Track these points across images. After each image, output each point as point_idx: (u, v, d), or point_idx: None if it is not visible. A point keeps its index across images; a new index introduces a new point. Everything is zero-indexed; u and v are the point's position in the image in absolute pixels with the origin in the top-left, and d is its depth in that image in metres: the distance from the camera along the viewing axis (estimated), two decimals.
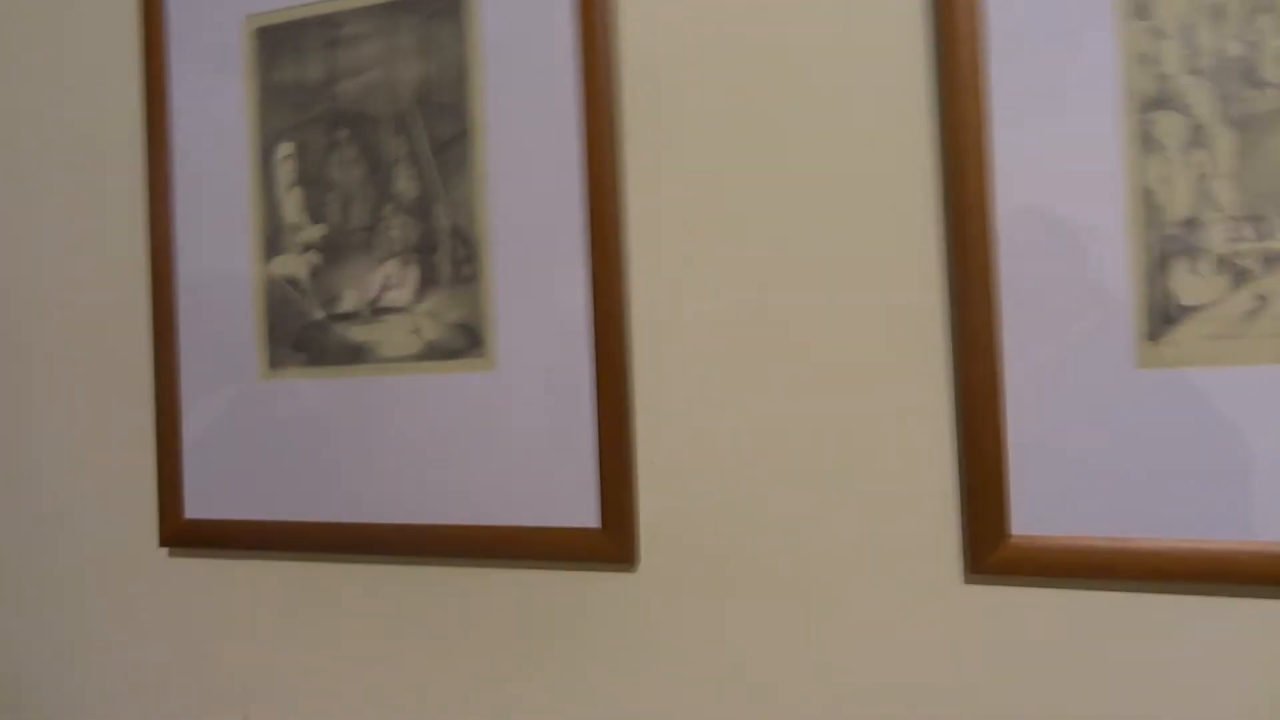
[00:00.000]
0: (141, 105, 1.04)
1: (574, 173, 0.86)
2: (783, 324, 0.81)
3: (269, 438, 0.98)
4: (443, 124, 0.91)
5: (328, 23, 0.95)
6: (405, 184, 0.92)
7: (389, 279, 0.93)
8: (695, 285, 0.84)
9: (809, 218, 0.81)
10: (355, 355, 0.94)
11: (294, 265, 0.97)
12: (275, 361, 0.97)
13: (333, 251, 0.95)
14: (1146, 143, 0.71)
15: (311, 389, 0.96)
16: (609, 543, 0.85)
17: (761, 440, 0.82)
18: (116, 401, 1.06)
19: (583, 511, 0.86)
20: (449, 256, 0.90)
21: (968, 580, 0.76)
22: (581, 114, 0.85)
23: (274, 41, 0.97)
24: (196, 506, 1.01)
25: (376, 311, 0.93)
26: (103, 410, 1.06)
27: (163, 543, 1.01)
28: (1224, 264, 0.69)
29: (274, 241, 0.97)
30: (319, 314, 0.95)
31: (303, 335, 0.96)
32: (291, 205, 0.97)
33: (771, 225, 0.82)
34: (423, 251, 0.91)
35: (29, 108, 1.11)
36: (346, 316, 0.94)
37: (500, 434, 0.89)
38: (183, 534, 1.00)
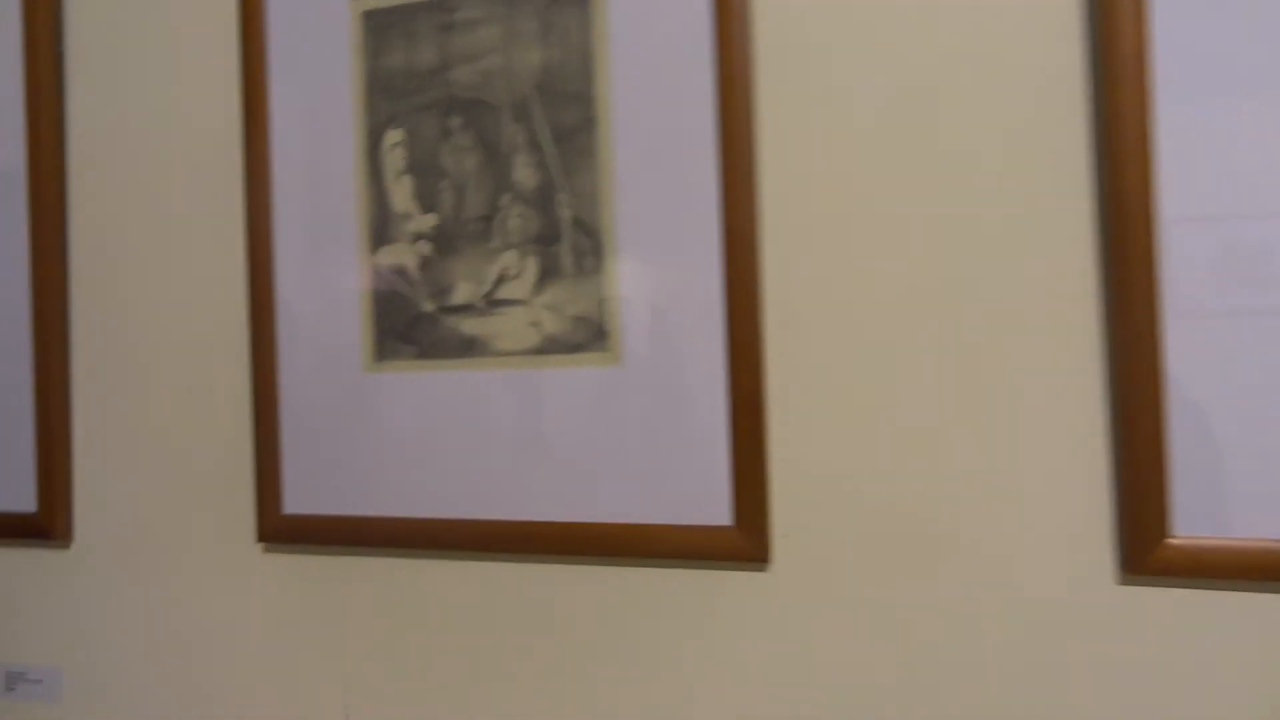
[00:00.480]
0: (240, 90, 1.01)
1: (708, 162, 0.84)
2: (926, 316, 0.80)
3: (373, 431, 0.95)
4: (565, 112, 0.88)
5: (440, 7, 0.92)
6: (524, 173, 0.90)
7: (506, 270, 0.91)
8: (835, 277, 0.82)
9: (956, 208, 0.79)
10: (468, 348, 0.92)
11: (403, 255, 0.94)
12: (382, 354, 0.95)
13: (445, 242, 0.93)
14: None
15: (420, 382, 0.94)
16: (742, 541, 0.83)
17: (901, 436, 0.80)
18: (213, 394, 1.03)
19: (714, 509, 0.84)
20: (571, 248, 0.88)
21: (1122, 581, 0.75)
22: (717, 101, 0.84)
23: (382, 26, 0.95)
24: (296, 502, 0.98)
25: (492, 304, 0.91)
26: (199, 403, 1.03)
27: (260, 538, 0.99)
28: None
29: (381, 231, 0.95)
30: (429, 306, 0.93)
31: (411, 327, 0.94)
32: (401, 194, 0.94)
33: (916, 215, 0.80)
34: (543, 243, 0.89)
35: (120, 91, 1.08)
36: (459, 309, 0.92)
37: (626, 429, 0.87)
38: (281, 530, 0.98)
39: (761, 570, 0.84)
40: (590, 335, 0.88)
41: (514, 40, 0.90)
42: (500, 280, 0.91)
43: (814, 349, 0.83)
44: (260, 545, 1.01)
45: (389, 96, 0.94)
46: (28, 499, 1.08)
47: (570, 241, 0.88)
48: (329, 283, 0.97)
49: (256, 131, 0.99)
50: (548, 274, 0.89)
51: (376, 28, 0.95)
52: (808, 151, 0.83)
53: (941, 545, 0.79)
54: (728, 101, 0.83)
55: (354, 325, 0.96)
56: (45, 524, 1.07)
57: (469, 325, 0.92)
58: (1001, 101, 0.78)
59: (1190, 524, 0.73)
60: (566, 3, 0.88)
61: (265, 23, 0.99)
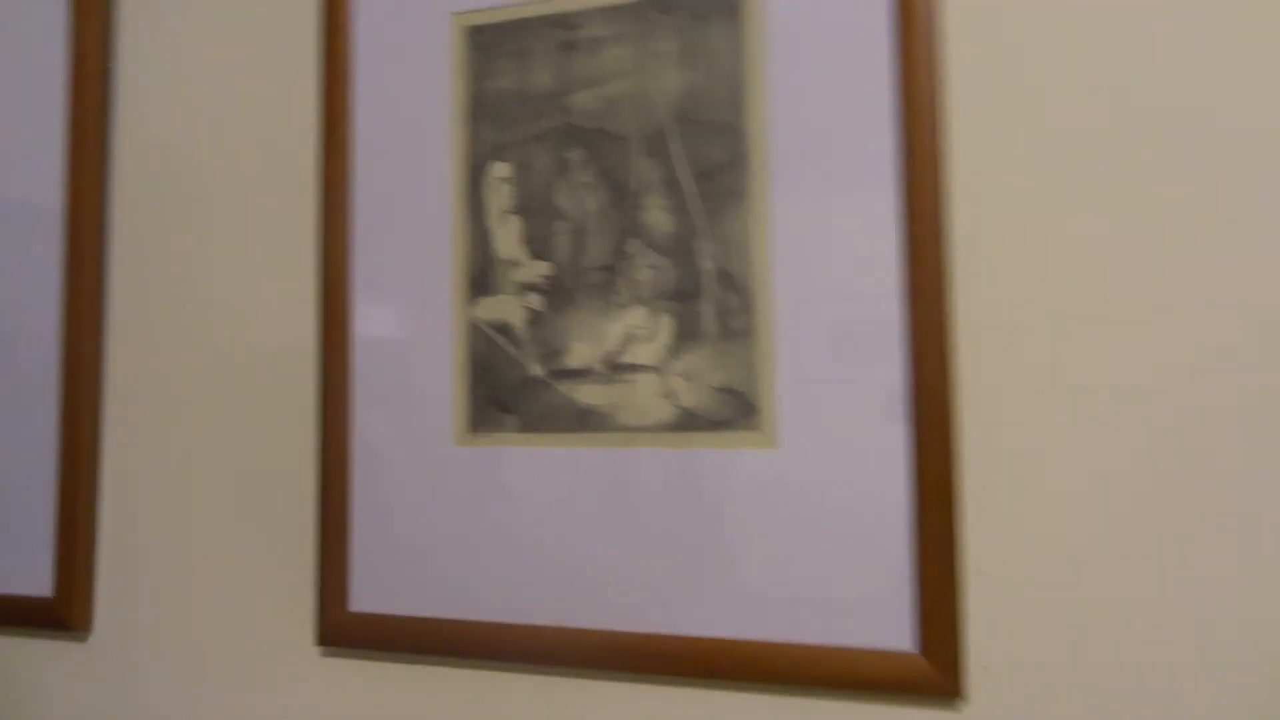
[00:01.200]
0: (318, 110, 0.88)
1: (886, 205, 0.70)
2: (1147, 402, 0.65)
3: (464, 516, 0.80)
4: (709, 146, 0.75)
5: (560, 23, 0.79)
6: (657, 216, 0.76)
7: (634, 331, 0.76)
8: (1036, 355, 0.68)
9: (1172, 278, 0.65)
10: (585, 421, 0.77)
11: (507, 309, 0.80)
12: (477, 424, 0.80)
13: (559, 294, 0.78)
14: None
15: (524, 459, 0.79)
16: (929, 670, 0.67)
17: (1127, 543, 0.65)
18: (270, 465, 0.88)
19: (892, 629, 0.69)
20: (714, 306, 0.74)
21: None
22: (898, 135, 0.70)
23: (488, 43, 0.82)
24: (365, 598, 0.83)
25: (616, 369, 0.76)
26: (252, 474, 0.88)
27: (321, 640, 0.83)
28: None
29: (482, 280, 0.81)
30: (538, 369, 0.79)
31: (515, 394, 0.79)
32: (507, 237, 0.80)
33: (1127, 287, 0.66)
34: (680, 299, 0.75)
35: (174, 101, 0.94)
36: (575, 373, 0.78)
37: (780, 527, 0.72)
38: (346, 630, 0.82)
39: (952, 708, 0.68)
40: (738, 411, 0.73)
41: (648, 62, 0.77)
42: (626, 342, 0.76)
43: (1018, 436, 0.68)
44: (319, 648, 0.85)
45: (495, 124, 0.81)
46: (43, 583, 0.93)
47: (714, 298, 0.74)
48: (416, 339, 0.82)
49: (336, 159, 0.85)
50: (685, 336, 0.75)
51: (482, 45, 0.82)
52: (1007, 198, 0.69)
53: (1179, 677, 0.63)
54: (912, 134, 0.69)
55: (445, 389, 0.81)
56: (62, 612, 0.91)
57: (586, 394, 0.77)
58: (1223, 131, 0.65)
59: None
60: (714, 19, 0.75)
61: (351, 35, 0.86)
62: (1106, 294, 0.67)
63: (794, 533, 0.71)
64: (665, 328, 0.75)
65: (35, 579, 0.92)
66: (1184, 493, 0.65)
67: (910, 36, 0.70)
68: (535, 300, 0.79)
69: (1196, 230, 0.65)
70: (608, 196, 0.77)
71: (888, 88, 0.70)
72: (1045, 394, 0.67)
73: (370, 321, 0.84)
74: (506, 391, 0.79)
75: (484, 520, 0.80)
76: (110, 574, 0.92)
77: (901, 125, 0.70)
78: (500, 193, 0.81)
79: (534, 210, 0.79)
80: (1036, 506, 0.67)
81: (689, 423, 0.74)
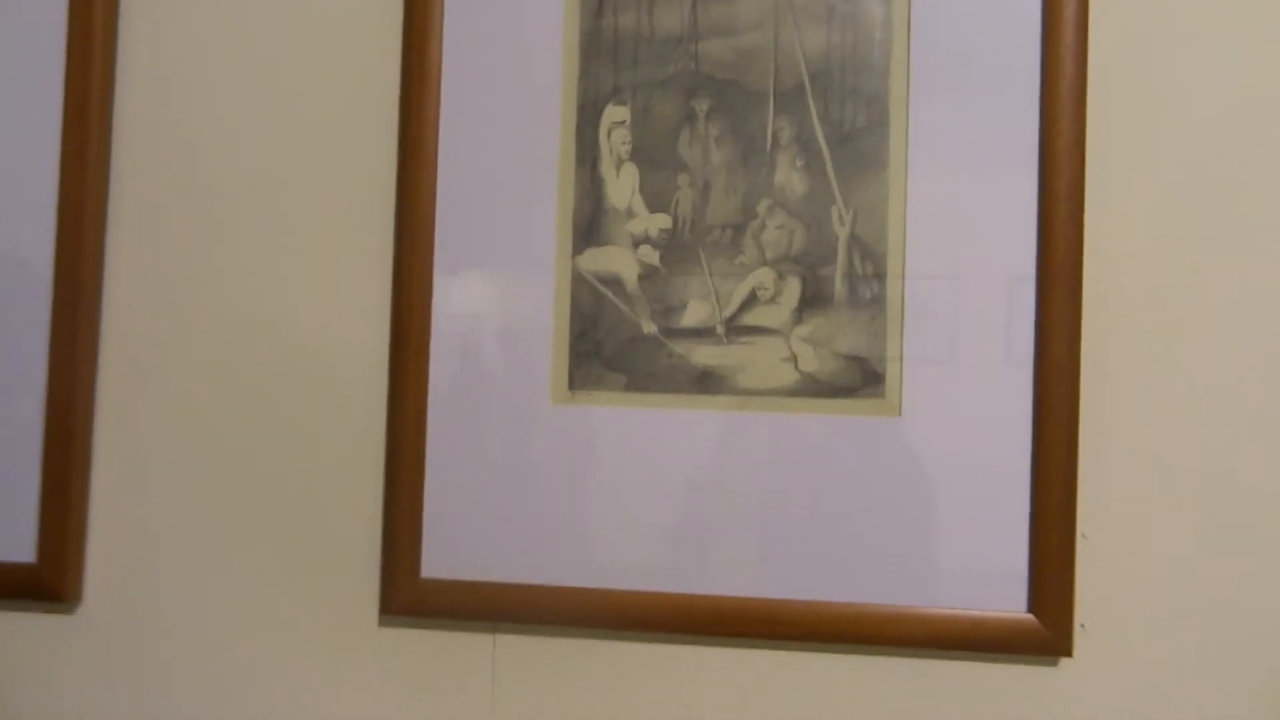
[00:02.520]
0: (400, 36, 0.78)
1: (1026, 183, 0.72)
2: (1261, 389, 0.71)
3: (558, 479, 0.75)
4: (848, 108, 0.74)
5: None
6: (789, 176, 0.74)
7: (759, 291, 0.74)
8: (1159, 339, 0.72)
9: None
10: (701, 383, 0.74)
11: (619, 262, 0.76)
12: (579, 381, 0.76)
13: (678, 250, 0.75)
14: None
15: (630, 420, 0.75)
16: (1041, 631, 0.71)
17: (1225, 512, 0.71)
18: (323, 406, 0.78)
19: (1008, 593, 0.72)
20: (844, 271, 0.73)
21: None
22: (1040, 117, 0.72)
23: None
24: (439, 563, 0.76)
25: (736, 330, 0.74)
26: (298, 414, 0.79)
27: (386, 609, 0.76)
28: None
29: (590, 229, 0.76)
30: (650, 326, 0.75)
31: (623, 352, 0.75)
32: (621, 185, 0.76)
33: (1250, 276, 0.72)
34: (808, 263, 0.74)
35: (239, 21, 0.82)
36: (691, 333, 0.75)
37: (901, 495, 0.73)
38: (417, 599, 0.75)
39: (1055, 665, 0.72)
40: (862, 378, 0.73)
41: (787, 16, 0.74)
42: (749, 303, 0.74)
43: (1139, 417, 0.72)
44: (382, 617, 0.78)
45: (612, 64, 0.76)
46: (26, 547, 0.79)
47: (844, 263, 0.74)
48: (510, 286, 0.76)
49: (419, 88, 0.77)
50: (812, 300, 0.74)
51: None
52: (1144, 183, 0.73)
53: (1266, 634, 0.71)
54: (1055, 119, 0.71)
55: (543, 342, 0.76)
56: (48, 579, 0.78)
57: (703, 354, 0.75)
58: None
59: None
60: None
61: None
62: (1228, 283, 0.72)
63: (913, 500, 0.73)
64: (791, 290, 0.74)
65: (17, 543, 0.78)
66: None
67: (1057, 21, 0.72)
68: (650, 254, 0.75)
69: None
70: (737, 152, 0.75)
71: (1033, 70, 0.72)
72: (1164, 377, 0.72)
73: (454, 265, 0.77)
74: (613, 348, 0.75)
75: (581, 483, 0.75)
76: (104, 537, 0.80)
77: (1045, 109, 0.72)
78: (616, 139, 0.76)
79: (654, 160, 0.75)
80: (1144, 479, 0.72)
81: (811, 388, 0.74)
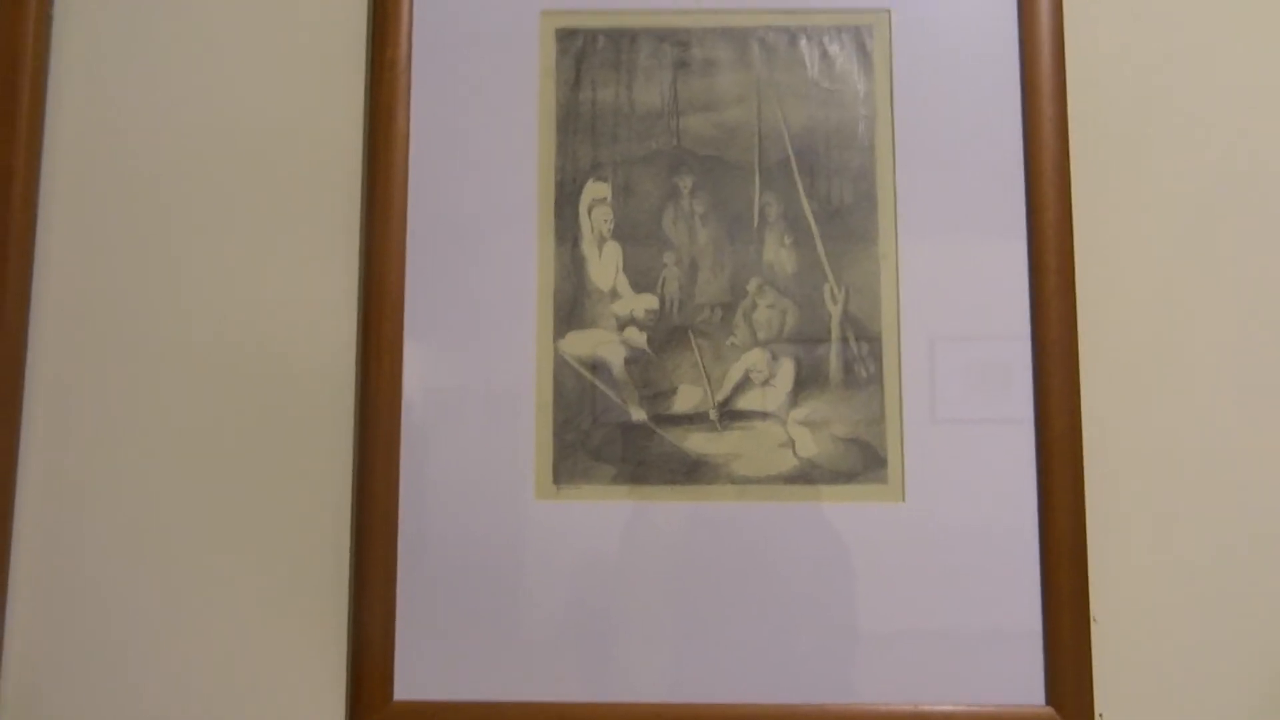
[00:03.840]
0: (364, 110, 0.74)
1: (1016, 258, 0.71)
2: (1255, 467, 0.71)
3: (544, 582, 0.69)
4: (835, 184, 0.72)
5: (669, 38, 0.73)
6: (778, 253, 0.72)
7: (752, 374, 0.71)
8: (1159, 399, 0.71)
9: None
10: (694, 472, 0.70)
11: (603, 345, 0.71)
12: (564, 474, 0.70)
13: (666, 332, 0.71)
14: None
15: (620, 514, 0.70)
16: None
17: (1235, 604, 0.70)
18: (301, 527, 0.71)
19: (1023, 683, 0.68)
20: (839, 351, 0.71)
21: None
22: (1026, 185, 0.71)
23: (584, 50, 0.73)
24: (414, 684, 0.69)
25: (730, 416, 0.70)
26: (280, 534, 0.71)
27: None
28: None
29: (573, 311, 0.71)
30: (639, 414, 0.71)
31: (612, 441, 0.70)
32: (604, 265, 0.72)
33: (1245, 332, 0.72)
34: (801, 342, 0.71)
35: (152, 68, 0.75)
36: (683, 419, 0.70)
37: (909, 584, 0.69)
38: None
39: None
40: (864, 462, 0.70)
41: (770, 92, 0.73)
42: (743, 386, 0.71)
43: (1144, 486, 0.71)
44: None
45: (591, 139, 0.73)
46: None
47: (838, 343, 0.71)
48: (489, 374, 0.71)
49: (384, 164, 0.72)
50: (807, 382, 0.71)
51: (578, 51, 0.73)
52: (1129, 245, 0.73)
53: None
54: (1040, 185, 0.71)
55: (525, 434, 0.70)
56: None
57: (696, 442, 0.70)
58: None
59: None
60: (841, 56, 0.73)
61: (406, 24, 0.73)
62: (1223, 342, 0.72)
63: (923, 589, 0.69)
64: (786, 372, 0.71)
65: None
66: None
67: (1036, 92, 0.72)
68: (637, 337, 0.71)
69: None
70: (723, 229, 0.72)
71: (1018, 137, 0.72)
72: (1166, 447, 0.71)
73: (427, 353, 0.71)
74: (600, 438, 0.71)
75: (568, 586, 0.70)
76: (21, 670, 0.70)
77: (1030, 176, 0.71)
78: (597, 216, 0.72)
79: (637, 238, 0.72)
80: (1153, 557, 0.70)
81: (811, 475, 0.70)
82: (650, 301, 0.72)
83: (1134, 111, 0.74)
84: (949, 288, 0.71)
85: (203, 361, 0.73)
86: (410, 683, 0.69)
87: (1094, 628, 0.69)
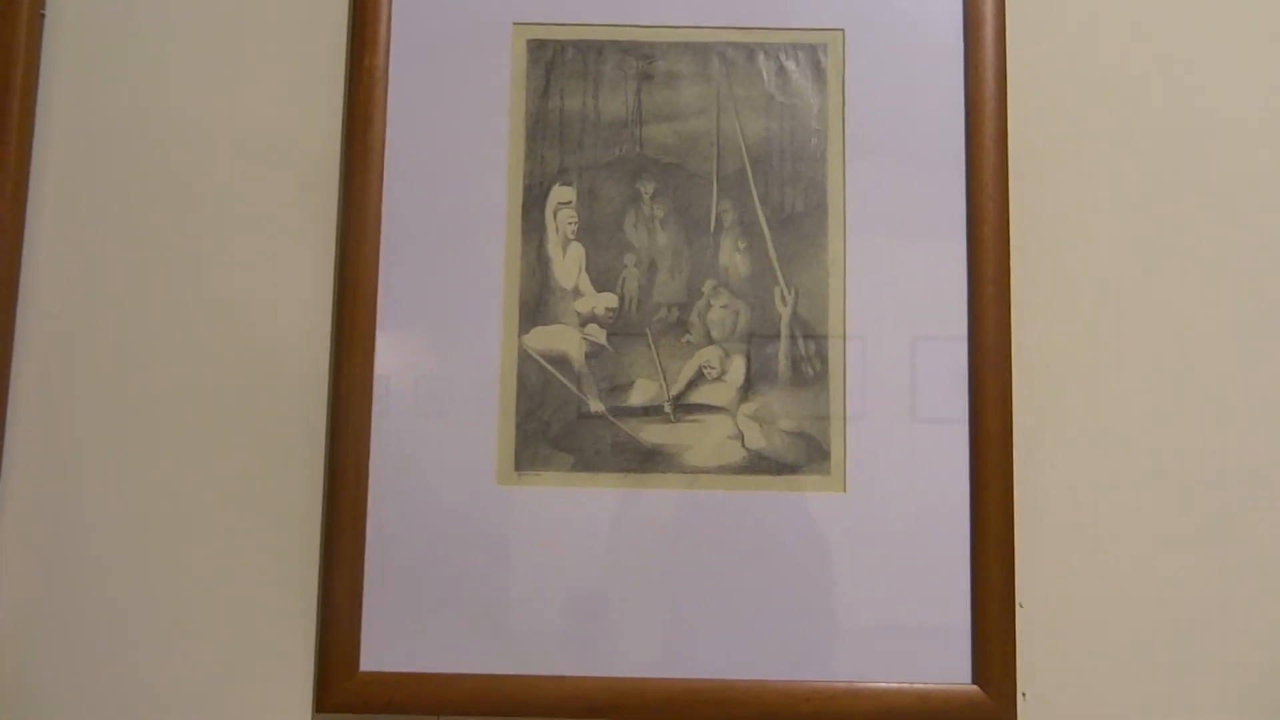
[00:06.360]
0: (343, 114, 0.78)
1: (956, 267, 0.75)
2: (1175, 465, 0.76)
3: (506, 563, 0.74)
4: (787, 193, 0.76)
5: (634, 51, 0.77)
6: (732, 258, 0.76)
7: (705, 370, 0.75)
8: (1087, 399, 0.76)
9: (1212, 332, 0.77)
10: (648, 461, 0.74)
11: (565, 340, 0.75)
12: (525, 462, 0.74)
13: (625, 329, 0.75)
14: None
15: (578, 500, 0.74)
16: (986, 701, 0.72)
17: (1155, 592, 0.75)
18: (272, 505, 0.75)
19: (952, 664, 0.73)
20: (788, 350, 0.75)
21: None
22: (967, 198, 0.76)
23: (553, 62, 0.77)
24: (379, 656, 0.73)
25: (683, 409, 0.75)
26: (251, 512, 0.75)
27: (320, 707, 0.72)
28: None
29: (537, 308, 0.76)
30: (598, 405, 0.75)
31: (571, 431, 0.75)
32: (568, 265, 0.76)
33: (1173, 338, 0.77)
34: (753, 342, 0.75)
35: (127, 75, 0.79)
36: (639, 411, 0.75)
37: (847, 570, 0.73)
38: (355, 696, 0.72)
39: None
40: (808, 454, 0.74)
41: (728, 104, 0.77)
42: (696, 381, 0.75)
43: (1070, 480, 0.76)
44: (314, 717, 0.73)
45: (559, 146, 0.77)
46: None
47: (788, 343, 0.75)
48: (455, 365, 0.75)
49: (361, 167, 0.76)
50: (757, 379, 0.75)
51: (548, 62, 0.77)
52: (1064, 251, 0.77)
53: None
54: (980, 192, 0.75)
55: (488, 423, 0.75)
56: None
57: (651, 433, 0.75)
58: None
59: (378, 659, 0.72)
60: (796, 71, 0.77)
61: (385, 34, 0.77)
62: (1157, 342, 0.76)
63: (861, 574, 0.74)
64: (737, 369, 0.75)
65: None
66: (1216, 536, 0.75)
67: (979, 100, 0.76)
68: (598, 333, 0.76)
69: (1242, 275, 0.77)
70: (681, 233, 0.76)
71: (960, 150, 0.76)
72: (1093, 439, 0.76)
73: (397, 346, 0.75)
74: (560, 428, 0.75)
75: (529, 566, 0.74)
76: (6, 634, 0.74)
77: (971, 186, 0.76)
78: (562, 218, 0.76)
79: (600, 240, 0.76)
80: (1076, 547, 0.75)
81: (758, 465, 0.74)
82: (611, 300, 0.76)
83: (1071, 127, 0.78)
84: (893, 292, 0.76)
85: (185, 353, 0.77)
86: (376, 655, 0.73)
87: (1019, 613, 0.74)
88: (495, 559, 0.74)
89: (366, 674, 0.73)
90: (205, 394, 0.76)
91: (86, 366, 0.76)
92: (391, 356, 0.75)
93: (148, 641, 0.74)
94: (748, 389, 0.75)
